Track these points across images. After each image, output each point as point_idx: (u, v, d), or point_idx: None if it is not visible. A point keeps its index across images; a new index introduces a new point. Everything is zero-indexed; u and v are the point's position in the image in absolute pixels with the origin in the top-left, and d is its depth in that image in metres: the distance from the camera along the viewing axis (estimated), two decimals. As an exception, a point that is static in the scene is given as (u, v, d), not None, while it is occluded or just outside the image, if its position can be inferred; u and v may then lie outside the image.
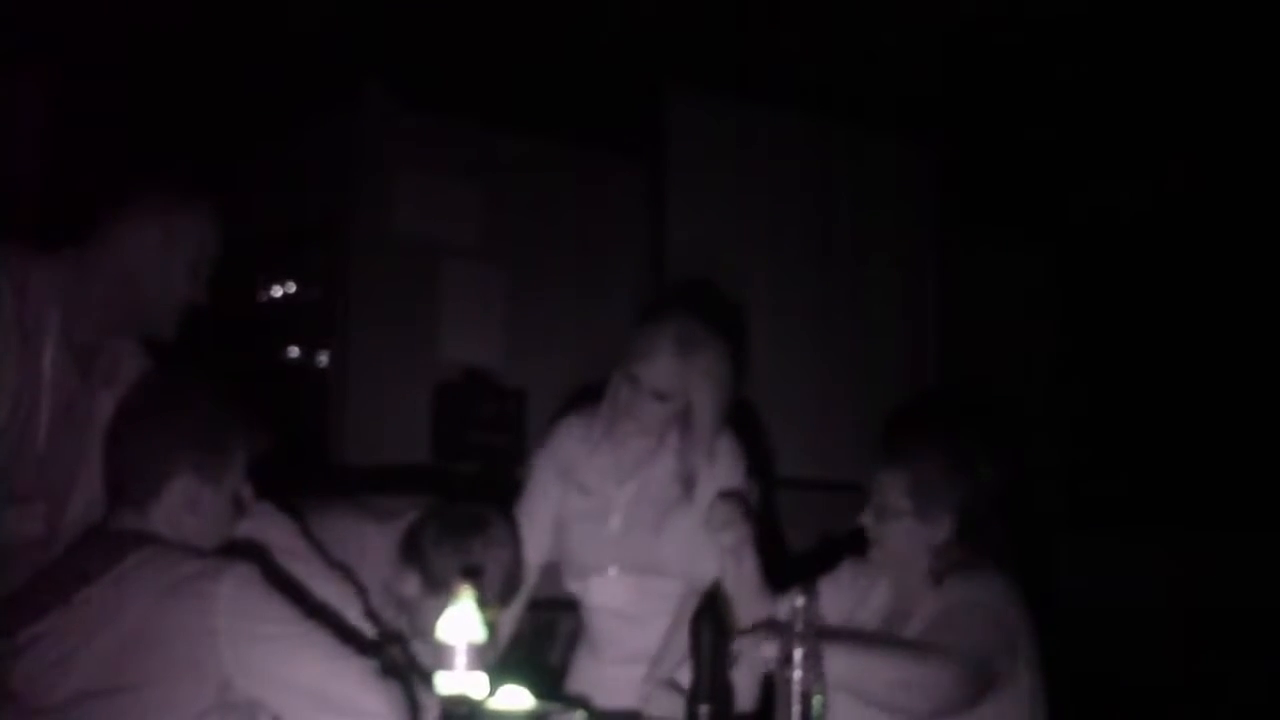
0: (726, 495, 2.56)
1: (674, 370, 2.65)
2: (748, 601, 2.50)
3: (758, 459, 2.82)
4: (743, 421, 2.84)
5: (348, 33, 4.07)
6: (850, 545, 2.63)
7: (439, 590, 2.45)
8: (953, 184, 5.19)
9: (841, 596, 2.54)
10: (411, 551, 2.50)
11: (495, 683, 2.27)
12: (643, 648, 2.72)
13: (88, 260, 2.33)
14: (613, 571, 2.78)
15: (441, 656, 2.17)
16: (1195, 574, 4.96)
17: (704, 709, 2.23)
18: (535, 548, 2.80)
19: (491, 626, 2.20)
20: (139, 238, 2.32)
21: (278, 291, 4.83)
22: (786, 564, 2.59)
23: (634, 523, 2.75)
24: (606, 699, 2.70)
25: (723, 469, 2.72)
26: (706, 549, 2.63)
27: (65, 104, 2.44)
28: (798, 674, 2.15)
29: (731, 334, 2.80)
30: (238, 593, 1.90)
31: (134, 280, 2.33)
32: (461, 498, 2.63)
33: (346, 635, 2.07)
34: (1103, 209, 5.39)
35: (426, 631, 2.49)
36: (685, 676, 2.45)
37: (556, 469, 2.84)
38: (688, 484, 2.72)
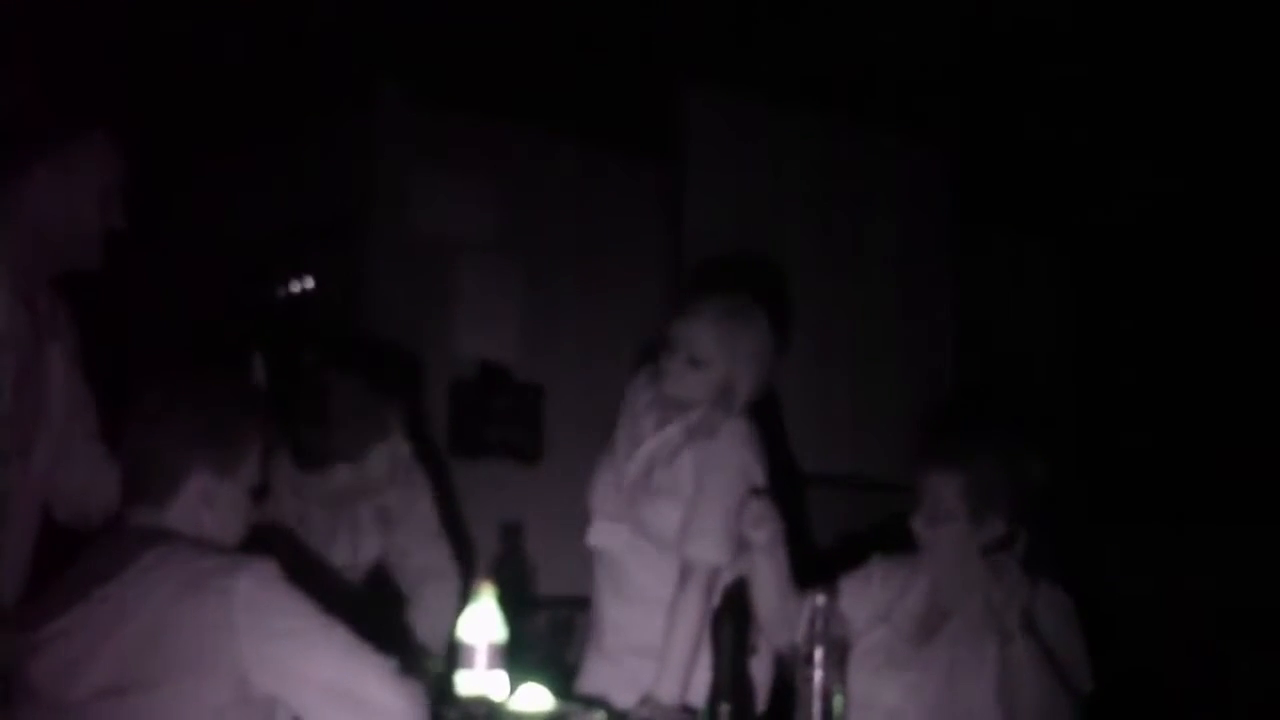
0: (758, 492, 2.52)
1: (712, 335, 2.59)
2: (776, 599, 2.48)
3: (778, 456, 2.78)
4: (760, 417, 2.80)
5: (363, 31, 4.06)
6: (875, 542, 2.61)
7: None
8: (968, 184, 5.18)
9: (872, 594, 2.52)
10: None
11: (515, 682, 2.27)
12: (647, 639, 2.65)
13: (3, 212, 2.32)
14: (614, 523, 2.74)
15: (461, 656, 2.17)
16: (1213, 568, 4.95)
17: (725, 707, 2.22)
18: None
19: None
20: (38, 179, 2.31)
21: (295, 288, 4.83)
22: (807, 562, 2.56)
23: (641, 477, 2.69)
24: (617, 696, 2.65)
25: (719, 450, 2.63)
26: (699, 526, 2.58)
27: (75, 103, 2.43)
28: (819, 673, 2.14)
29: (776, 314, 2.74)
30: (255, 588, 1.89)
31: (43, 223, 2.32)
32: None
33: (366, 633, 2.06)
34: (1118, 207, 5.37)
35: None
36: (697, 693, 2.43)
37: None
38: (681, 443, 2.65)
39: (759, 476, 2.67)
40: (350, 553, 2.71)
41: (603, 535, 2.76)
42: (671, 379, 2.65)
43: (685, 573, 2.60)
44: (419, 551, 2.91)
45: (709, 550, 2.58)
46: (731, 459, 2.63)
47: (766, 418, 4.63)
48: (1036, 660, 2.25)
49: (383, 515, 2.80)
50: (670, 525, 2.64)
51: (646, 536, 2.68)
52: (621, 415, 2.82)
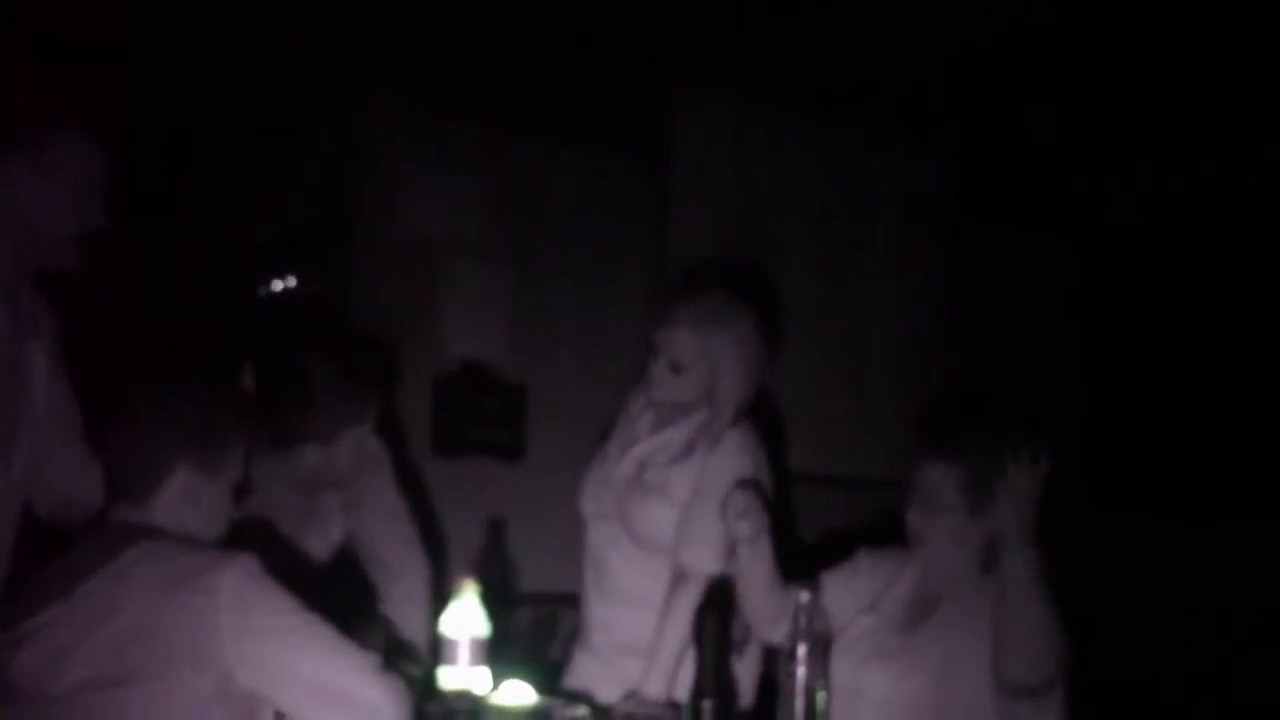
0: (743, 485, 2.53)
1: (690, 341, 2.60)
2: (762, 592, 2.48)
3: (773, 454, 2.78)
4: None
5: (355, 32, 4.06)
6: (862, 538, 2.62)
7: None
8: (967, 183, 5.18)
9: (859, 586, 2.52)
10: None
11: (499, 678, 2.27)
12: (632, 638, 2.66)
13: None
14: (607, 522, 2.75)
15: (444, 652, 2.17)
16: (1214, 569, 4.96)
17: (707, 703, 2.23)
18: None
19: None
20: (14, 178, 2.29)
21: (285, 288, 4.83)
22: (798, 557, 2.57)
23: (634, 481, 2.70)
24: (604, 691, 2.66)
25: (718, 459, 2.63)
26: (697, 534, 2.58)
27: (68, 100, 2.43)
28: (801, 669, 2.15)
29: (767, 316, 2.74)
30: (239, 585, 1.89)
31: (22, 220, 2.30)
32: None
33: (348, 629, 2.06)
34: (1119, 207, 5.38)
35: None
36: (683, 689, 2.44)
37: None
38: (683, 451, 2.67)
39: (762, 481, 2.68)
40: (316, 539, 2.72)
41: (598, 536, 2.77)
42: (656, 385, 2.67)
43: (679, 577, 2.60)
44: (383, 540, 2.92)
45: (706, 559, 2.59)
46: (732, 467, 2.63)
47: (762, 416, 4.64)
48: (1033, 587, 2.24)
49: (348, 502, 2.82)
50: (659, 527, 2.65)
51: (633, 537, 2.68)
52: (618, 422, 2.83)
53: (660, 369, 2.64)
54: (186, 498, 2.04)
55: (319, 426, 2.63)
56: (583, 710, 2.29)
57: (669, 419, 2.72)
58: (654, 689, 2.55)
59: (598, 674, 2.73)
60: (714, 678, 2.24)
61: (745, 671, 2.63)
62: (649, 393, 2.71)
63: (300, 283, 4.78)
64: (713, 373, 2.62)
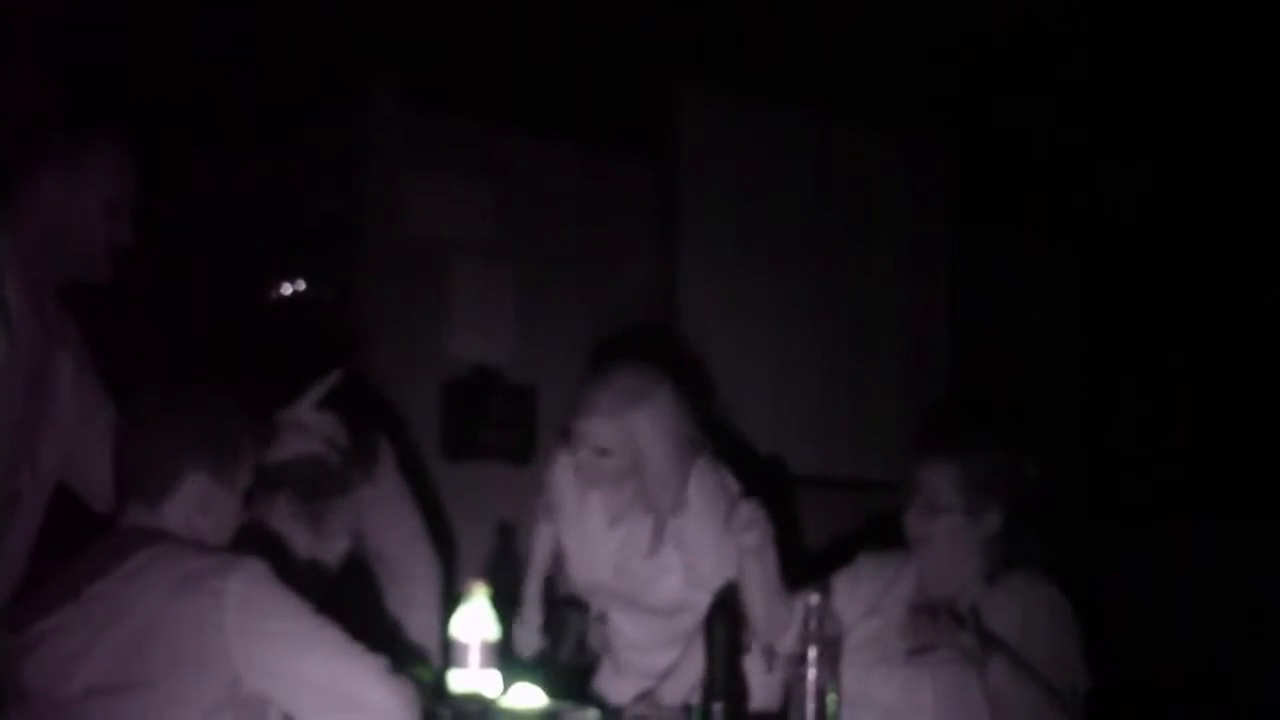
0: (748, 496, 2.53)
1: (610, 428, 2.60)
2: (769, 602, 2.48)
3: (775, 457, 2.79)
4: (748, 420, 2.80)
5: (356, 31, 4.06)
6: (864, 541, 2.61)
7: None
8: (966, 183, 5.18)
9: (862, 589, 2.52)
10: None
11: (508, 680, 2.27)
12: (661, 668, 2.71)
13: (12, 220, 2.30)
14: (616, 611, 2.80)
15: (455, 654, 2.17)
16: (1214, 567, 4.95)
17: (717, 706, 2.22)
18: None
19: None
20: (45, 188, 2.28)
21: (287, 290, 4.82)
22: (801, 563, 2.56)
23: (623, 570, 2.73)
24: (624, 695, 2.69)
25: (694, 518, 2.65)
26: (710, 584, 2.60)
27: (66, 103, 2.42)
28: (812, 672, 2.15)
29: (691, 380, 2.73)
30: (247, 589, 1.90)
31: (52, 231, 2.30)
32: None
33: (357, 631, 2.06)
34: (1115, 205, 5.38)
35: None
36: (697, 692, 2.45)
37: (548, 506, 2.86)
38: (657, 533, 2.68)
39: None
40: (321, 548, 2.73)
41: (616, 625, 2.84)
42: (585, 471, 2.67)
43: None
44: (384, 537, 2.94)
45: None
46: (708, 524, 2.64)
47: (765, 418, 4.63)
48: (1016, 678, 2.24)
49: (356, 513, 2.84)
50: (669, 595, 2.69)
51: (657, 612, 2.73)
52: (551, 500, 2.85)
53: (586, 456, 2.64)
54: (198, 504, 2.04)
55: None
56: (592, 713, 2.29)
57: (623, 505, 2.72)
58: (671, 696, 2.57)
59: (622, 691, 2.76)
60: (724, 680, 2.23)
61: (775, 674, 2.63)
62: (578, 478, 2.71)
63: (306, 286, 4.78)
64: (636, 451, 2.62)
